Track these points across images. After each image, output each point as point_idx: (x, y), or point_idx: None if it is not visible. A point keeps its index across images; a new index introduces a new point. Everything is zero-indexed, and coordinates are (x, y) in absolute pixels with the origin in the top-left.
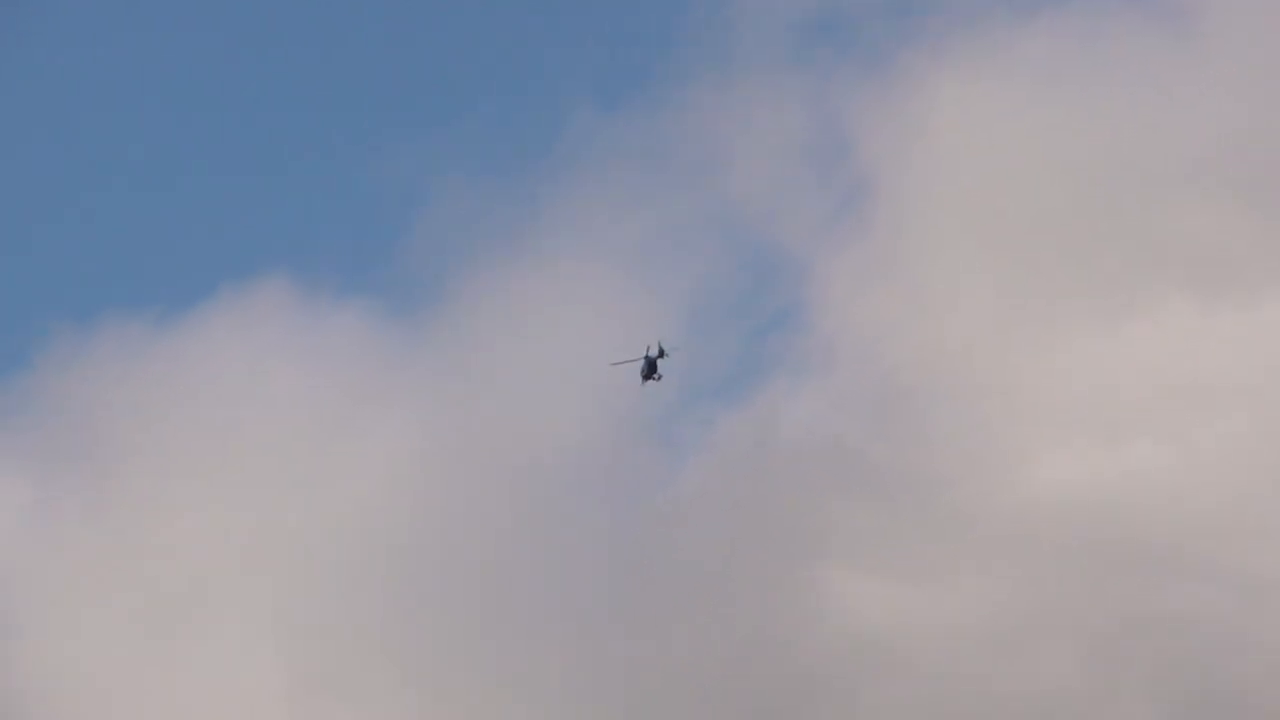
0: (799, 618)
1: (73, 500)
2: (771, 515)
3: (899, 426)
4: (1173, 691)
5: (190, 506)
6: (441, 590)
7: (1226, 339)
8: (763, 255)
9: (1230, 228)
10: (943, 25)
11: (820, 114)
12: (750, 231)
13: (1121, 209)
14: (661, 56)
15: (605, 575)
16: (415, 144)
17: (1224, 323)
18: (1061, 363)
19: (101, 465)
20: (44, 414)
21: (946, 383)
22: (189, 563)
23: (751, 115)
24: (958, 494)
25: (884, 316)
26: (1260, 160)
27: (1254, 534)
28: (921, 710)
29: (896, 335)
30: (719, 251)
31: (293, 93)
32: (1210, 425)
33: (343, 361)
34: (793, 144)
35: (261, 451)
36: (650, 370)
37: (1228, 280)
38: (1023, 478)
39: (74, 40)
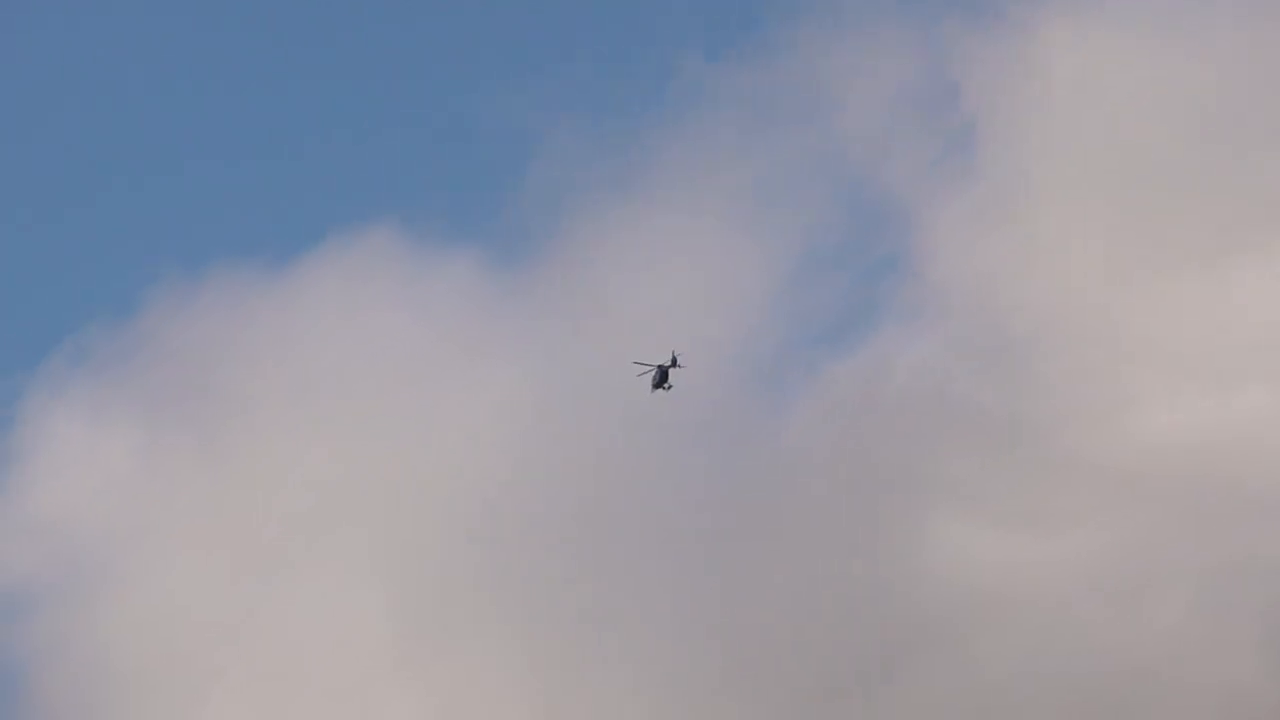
0: (908, 566)
1: (180, 447)
2: (880, 463)
3: (1008, 373)
4: None
5: (295, 453)
6: (543, 537)
7: None
8: (870, 201)
9: None
10: None
11: (928, 59)
12: (858, 178)
13: (1233, 154)
14: (770, 3)
15: (710, 524)
16: (525, 93)
17: None
18: (1171, 308)
19: (209, 412)
20: (152, 361)
21: (1055, 328)
22: (294, 509)
23: (859, 61)
24: (1067, 440)
25: (992, 262)
26: None
27: None
28: (1033, 657)
29: (1005, 281)
30: (826, 198)
31: (403, 40)
32: None
33: (449, 310)
34: (901, 89)
35: (366, 399)
36: (662, 379)
37: None
38: (1132, 424)
39: None
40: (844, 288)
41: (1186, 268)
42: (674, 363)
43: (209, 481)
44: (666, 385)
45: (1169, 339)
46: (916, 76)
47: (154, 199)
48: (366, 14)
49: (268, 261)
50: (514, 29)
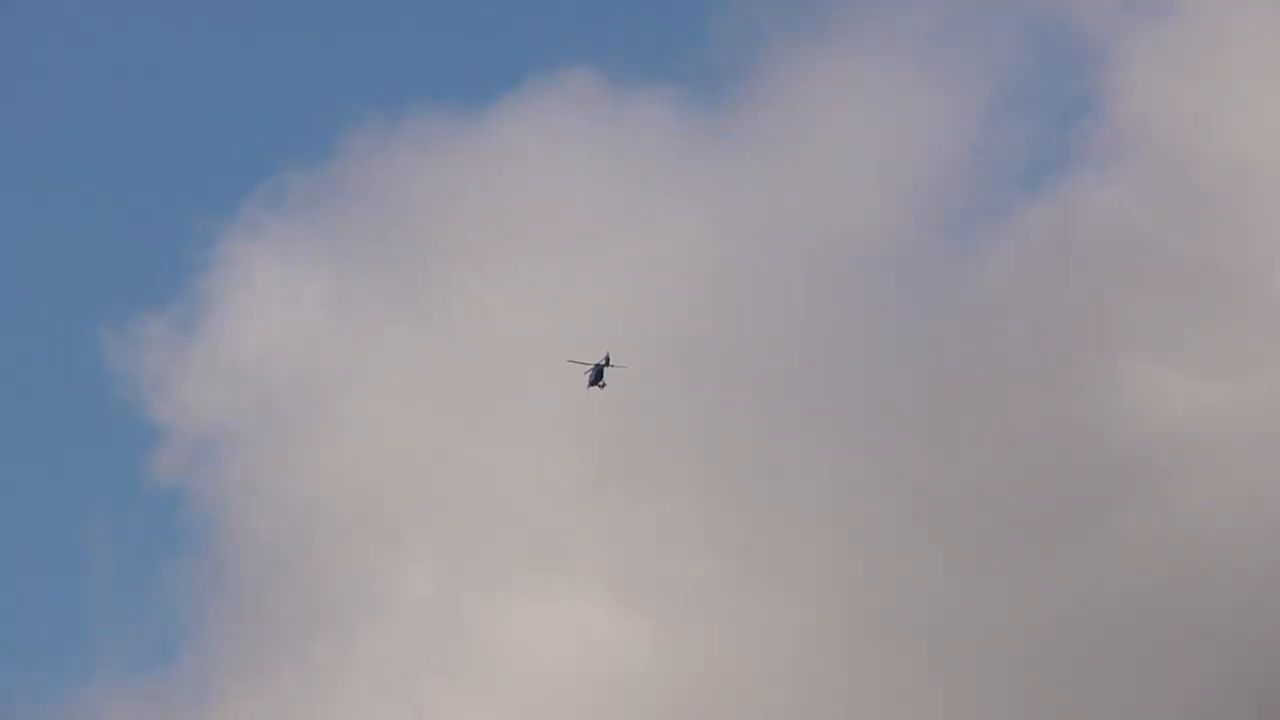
0: (1101, 412)
1: (375, 291)
2: (1071, 308)
3: (1201, 218)
4: None
5: (490, 297)
6: (735, 384)
7: None
8: (1062, 42)
9: None
10: None
11: None
12: (1051, 17)
13: None
14: None
15: (901, 369)
16: None
17: None
18: None
19: (404, 257)
20: (347, 204)
21: (1250, 173)
22: (489, 354)
23: None
24: (1260, 287)
25: (1186, 105)
26: None
27: None
28: (1231, 500)
29: (1199, 125)
30: (1018, 38)
31: None
32: None
33: (645, 152)
34: None
35: (562, 243)
36: (597, 376)
37: None
38: None
39: None
40: (1036, 130)
41: None
42: (608, 362)
43: (404, 326)
44: (601, 384)
45: None
46: None
47: (352, 41)
48: None
49: (465, 104)
50: None
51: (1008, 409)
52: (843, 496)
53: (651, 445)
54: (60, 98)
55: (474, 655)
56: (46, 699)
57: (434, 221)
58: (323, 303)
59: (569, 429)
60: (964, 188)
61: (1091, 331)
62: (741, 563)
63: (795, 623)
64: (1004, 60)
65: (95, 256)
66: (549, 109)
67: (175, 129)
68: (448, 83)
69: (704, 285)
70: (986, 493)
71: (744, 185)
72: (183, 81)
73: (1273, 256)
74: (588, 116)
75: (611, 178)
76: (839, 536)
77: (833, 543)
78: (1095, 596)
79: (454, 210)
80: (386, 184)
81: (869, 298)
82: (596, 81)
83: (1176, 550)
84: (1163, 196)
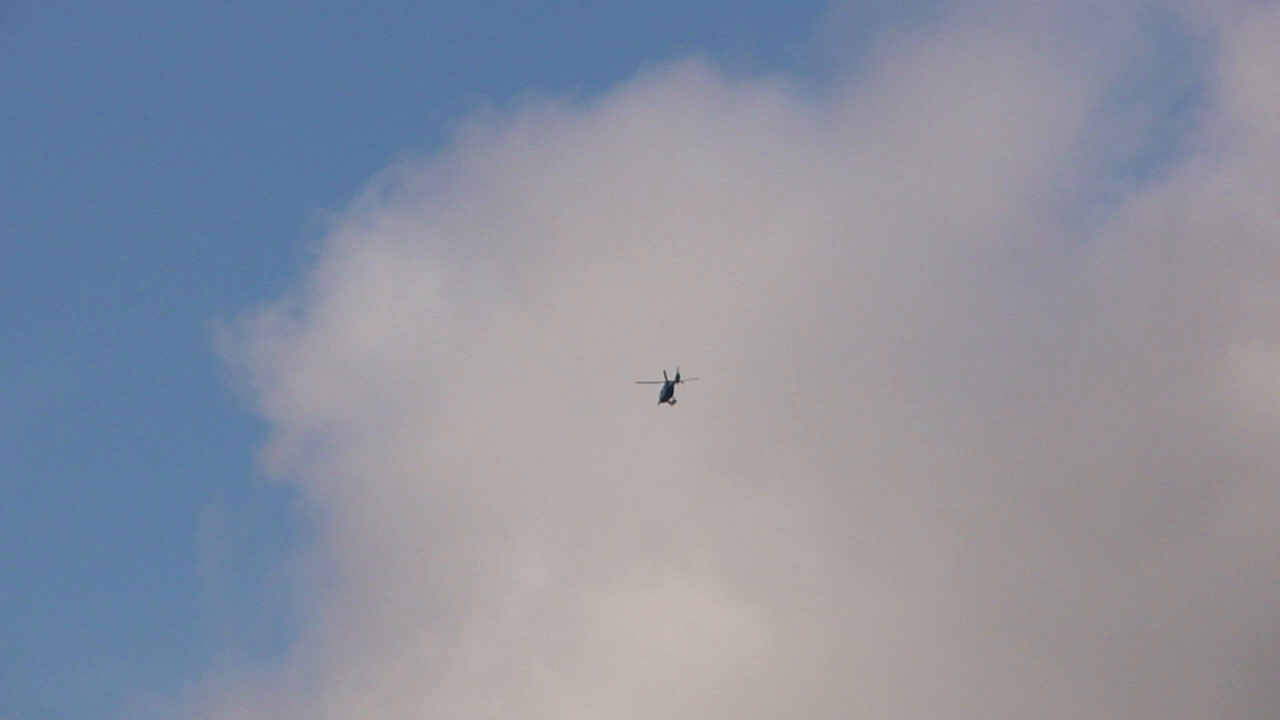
0: (1211, 400)
1: (487, 282)
2: (1182, 297)
3: None
4: None
5: (603, 286)
6: (848, 375)
7: None
8: (1174, 32)
9: None
10: None
11: None
12: (1163, 8)
13: None
14: None
15: (1015, 360)
16: None
17: None
18: None
19: (516, 247)
20: (460, 196)
21: None
22: (600, 345)
23: None
24: None
25: None
26: None
27: None
28: None
29: None
30: (1131, 29)
31: None
32: None
33: (757, 141)
34: None
35: (675, 232)
36: (668, 393)
37: None
38: None
39: None
40: (1148, 119)
41: None
42: (679, 379)
43: (514, 318)
44: (672, 400)
45: None
46: None
47: (465, 33)
48: None
49: (578, 96)
50: None
51: (1120, 399)
52: (956, 488)
53: (764, 437)
54: (175, 92)
55: (584, 647)
56: (161, 691)
57: (545, 213)
58: (434, 294)
59: (681, 420)
60: (1076, 177)
61: (1203, 320)
62: (854, 555)
63: (907, 614)
64: (1116, 50)
65: (206, 249)
66: (662, 99)
67: (288, 122)
68: (560, 74)
69: (816, 275)
70: (1099, 483)
71: (857, 175)
72: (296, 74)
73: None
74: (700, 107)
75: (723, 168)
76: (952, 528)
77: (946, 534)
78: (1209, 585)
79: (566, 201)
80: (498, 175)
81: (982, 287)
82: (709, 72)
83: None
84: (1273, 184)
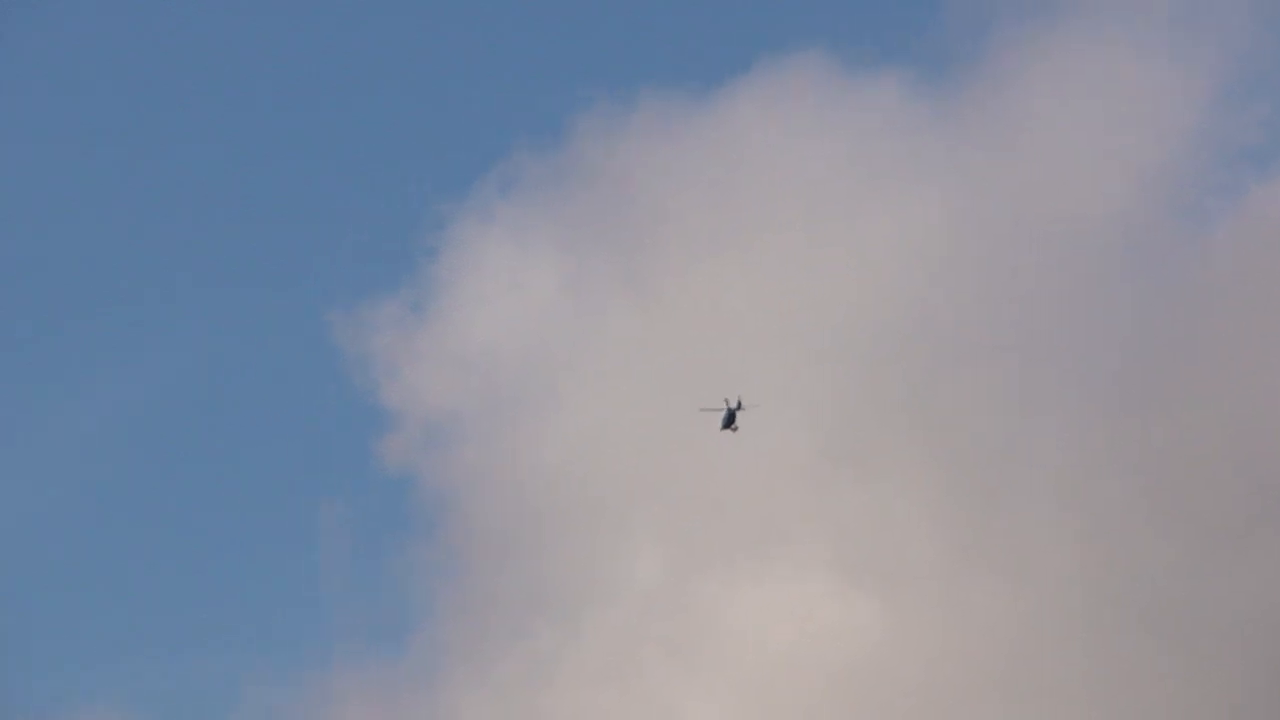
0: None
1: (605, 275)
2: None
3: None
4: None
5: (719, 280)
6: (964, 366)
7: None
8: None
9: None
10: None
11: None
12: None
13: None
14: None
15: (1134, 352)
16: None
17: None
18: None
19: (635, 240)
20: (578, 188)
21: None
22: (717, 337)
23: None
24: None
25: None
26: None
27: None
28: None
29: None
30: (1249, 19)
31: None
32: None
33: (875, 133)
34: None
35: (791, 225)
36: (730, 420)
37: None
38: None
39: None
40: (1267, 110)
41: None
42: (740, 406)
43: (632, 310)
44: (734, 427)
45: None
46: None
47: (585, 26)
48: None
49: (696, 89)
50: None
51: (1239, 391)
52: (1072, 481)
53: (878, 428)
54: (298, 84)
55: (700, 639)
56: (281, 682)
57: (663, 205)
58: (551, 287)
59: (796, 411)
60: (1195, 169)
61: None
62: (968, 547)
63: (1022, 609)
64: (1235, 41)
65: (327, 242)
66: (779, 92)
67: (409, 115)
68: (679, 67)
69: (932, 267)
70: (1218, 476)
71: (974, 167)
72: (418, 67)
73: None
74: (817, 99)
75: (840, 160)
76: (1069, 521)
77: (1062, 528)
78: None
79: (683, 194)
80: (616, 168)
81: (1100, 280)
82: (827, 64)
83: None
84: None
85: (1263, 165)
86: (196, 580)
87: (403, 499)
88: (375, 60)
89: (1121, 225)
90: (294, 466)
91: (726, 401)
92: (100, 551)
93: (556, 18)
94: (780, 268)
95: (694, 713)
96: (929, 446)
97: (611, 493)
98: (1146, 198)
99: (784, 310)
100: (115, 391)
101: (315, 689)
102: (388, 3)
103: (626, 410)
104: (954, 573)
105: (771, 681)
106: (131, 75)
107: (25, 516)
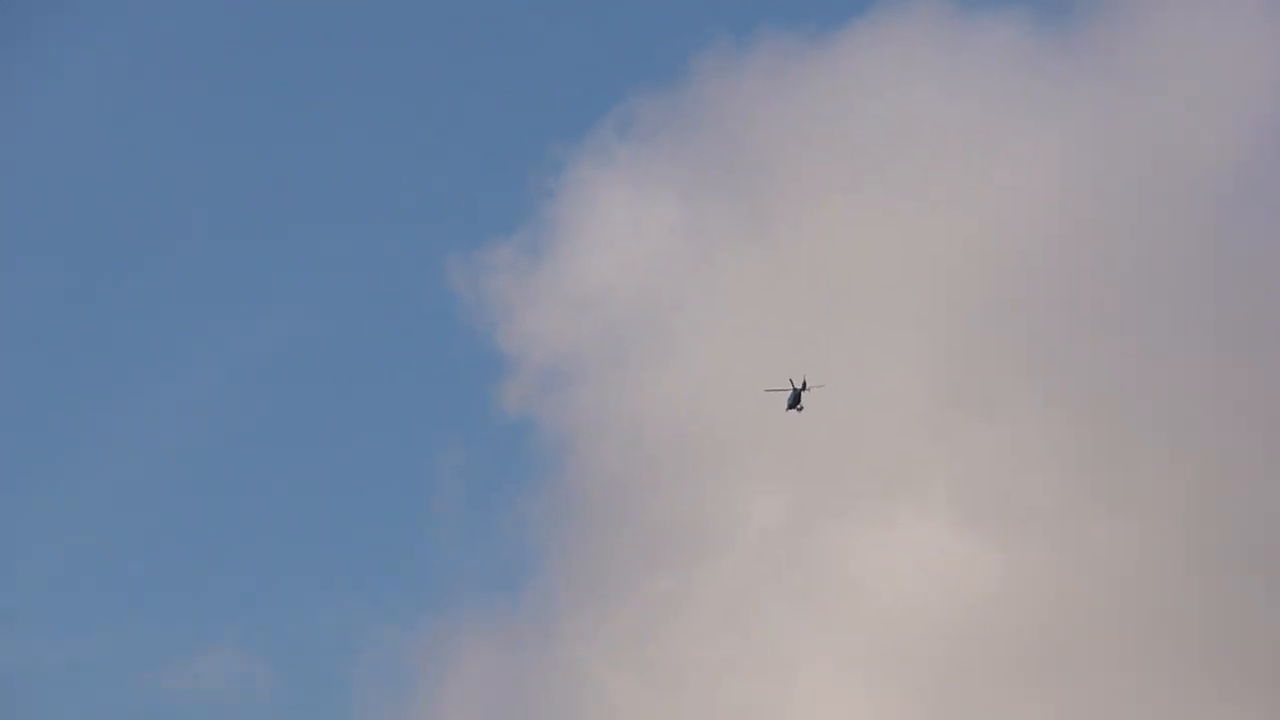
0: None
1: (723, 218)
2: None
3: None
4: None
5: (838, 222)
6: (1081, 303)
7: None
8: None
9: None
10: None
11: None
12: None
13: None
14: None
15: (1248, 293)
16: None
17: None
18: None
19: (751, 182)
20: (695, 130)
21: None
22: (836, 277)
23: None
24: None
25: None
26: None
27: None
28: None
29: None
30: None
31: None
32: None
33: (994, 73)
34: None
35: (909, 166)
36: (795, 400)
37: None
38: None
39: None
40: None
41: None
42: (805, 386)
43: (750, 251)
44: (799, 407)
45: None
46: None
47: None
48: None
49: (814, 30)
50: None
51: None
52: (1190, 421)
53: (999, 369)
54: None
55: (819, 585)
56: (399, 626)
57: (781, 147)
58: (670, 229)
59: (916, 353)
60: None
61: None
62: (1089, 487)
63: (1141, 549)
64: None
65: (442, 183)
66: (897, 33)
67: (527, 56)
68: (797, 8)
69: (1051, 208)
70: None
71: (1094, 108)
72: (535, 9)
73: None
74: (936, 39)
75: (960, 101)
76: (1189, 463)
77: (1180, 468)
78: None
79: (801, 136)
80: (734, 110)
81: (1218, 222)
82: (945, 4)
83: None
84: None
85: None
86: (315, 526)
87: (520, 444)
88: (495, 3)
89: (1242, 168)
90: (411, 412)
91: (791, 382)
92: (222, 497)
93: None
94: (898, 208)
95: (811, 659)
96: (1049, 389)
97: (730, 437)
98: (1269, 139)
99: (901, 252)
100: (235, 337)
101: (433, 635)
102: None
103: (745, 353)
104: (1074, 512)
105: (891, 627)
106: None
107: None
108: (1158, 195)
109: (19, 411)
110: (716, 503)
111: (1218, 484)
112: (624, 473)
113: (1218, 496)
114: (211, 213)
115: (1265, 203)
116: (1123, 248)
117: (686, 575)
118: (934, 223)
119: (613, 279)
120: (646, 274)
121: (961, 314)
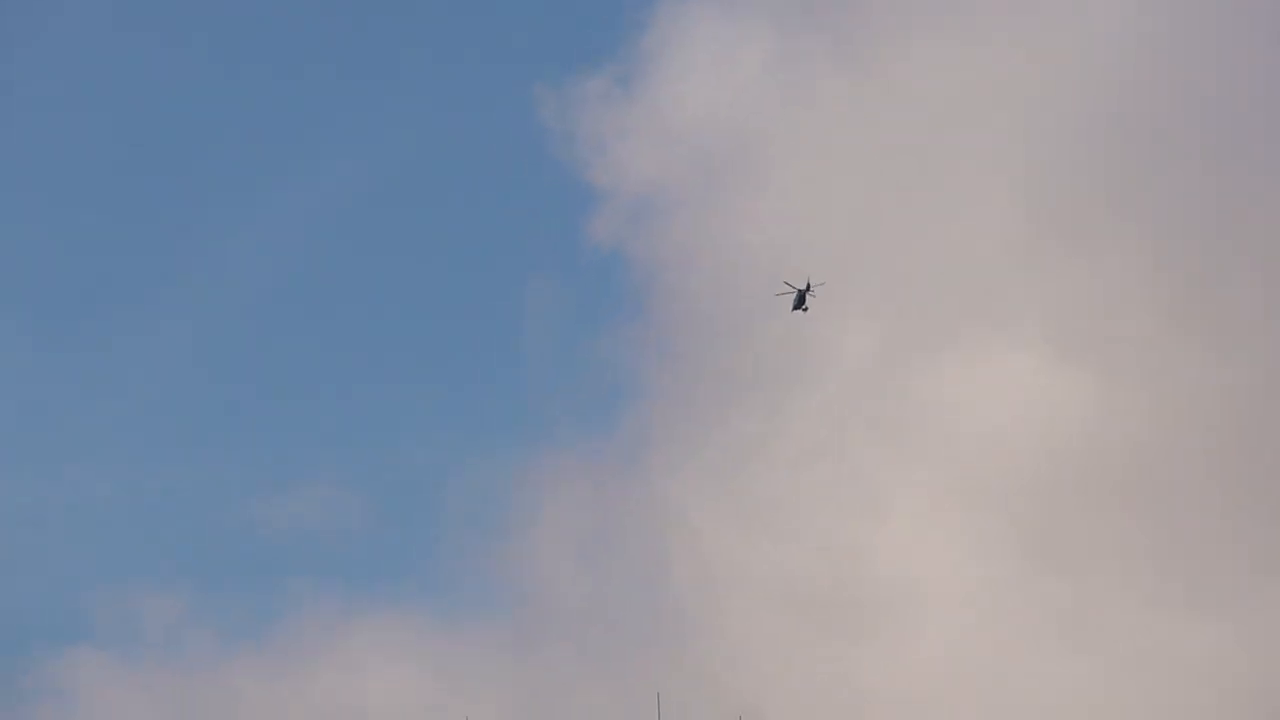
0: None
1: (813, 50)
2: None
3: None
4: None
5: (931, 54)
6: (1178, 138)
7: None
8: None
9: None
10: None
11: None
12: None
13: None
14: None
15: None
16: None
17: None
18: None
19: (845, 12)
20: None
21: None
22: (928, 113)
23: None
24: None
25: None
26: None
27: None
28: None
29: None
30: None
31: None
32: None
33: None
34: None
35: (1006, 5)
36: (800, 301)
37: None
38: None
39: None
40: None
41: None
42: (809, 288)
43: (843, 84)
44: (804, 308)
45: None
46: None
47: None
48: None
49: None
50: None
51: None
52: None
53: (1092, 203)
54: None
55: (908, 418)
56: (491, 460)
57: None
58: (760, 61)
59: (1009, 188)
60: None
61: None
62: (1181, 321)
63: (1230, 382)
64: None
65: (534, 16)
66: None
67: None
68: None
69: (1153, 43)
70: None
71: None
72: None
73: None
74: None
75: None
76: (1277, 295)
77: (1270, 302)
78: None
79: None
80: None
81: None
82: None
83: None
84: None
85: None
86: (407, 360)
87: (611, 276)
88: None
89: None
90: (502, 244)
91: (791, 284)
92: (315, 332)
93: None
94: (993, 42)
95: (902, 492)
96: (1142, 220)
97: (821, 270)
98: None
99: (996, 86)
100: (328, 171)
101: (524, 468)
102: None
103: (837, 186)
104: (1166, 346)
105: (982, 459)
106: None
107: (245, 297)
108: (1261, 33)
109: (125, 247)
110: (807, 335)
111: None
112: (715, 304)
113: None
114: (306, 49)
115: None
116: (1223, 85)
117: (776, 407)
118: (1029, 53)
119: (704, 111)
120: (738, 106)
121: (1055, 147)
